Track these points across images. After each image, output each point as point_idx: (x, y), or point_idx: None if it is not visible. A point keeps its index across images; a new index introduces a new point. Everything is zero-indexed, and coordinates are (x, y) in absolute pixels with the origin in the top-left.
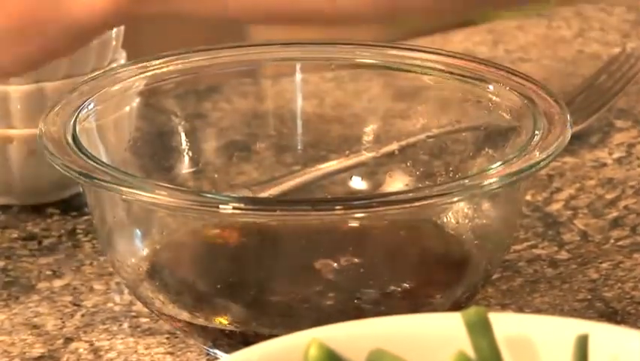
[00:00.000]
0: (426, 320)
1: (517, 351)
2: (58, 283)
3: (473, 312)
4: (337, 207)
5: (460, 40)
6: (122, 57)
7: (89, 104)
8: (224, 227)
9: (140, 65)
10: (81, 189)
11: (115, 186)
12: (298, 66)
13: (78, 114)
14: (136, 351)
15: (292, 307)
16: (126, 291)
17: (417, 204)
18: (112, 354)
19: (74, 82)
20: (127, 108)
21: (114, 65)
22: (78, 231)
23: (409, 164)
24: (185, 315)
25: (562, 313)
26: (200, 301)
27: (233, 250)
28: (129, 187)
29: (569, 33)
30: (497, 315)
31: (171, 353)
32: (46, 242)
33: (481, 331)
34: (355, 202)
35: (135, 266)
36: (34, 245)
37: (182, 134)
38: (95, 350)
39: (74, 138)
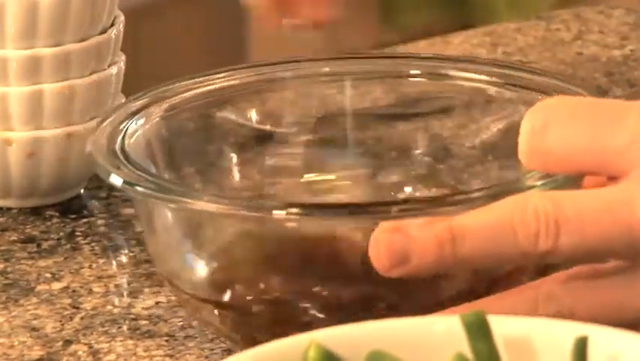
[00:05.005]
0: (425, 322)
1: (516, 353)
2: (57, 285)
3: (472, 314)
4: (394, 210)
5: (459, 42)
6: (121, 60)
7: (138, 119)
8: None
9: (192, 80)
10: (83, 191)
11: (173, 197)
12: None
13: (126, 130)
14: (135, 354)
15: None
16: (125, 293)
17: (465, 205)
18: (111, 356)
19: (73, 84)
20: (175, 123)
21: (113, 67)
22: (77, 233)
23: (441, 168)
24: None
25: None
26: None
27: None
28: (188, 197)
29: (568, 35)
30: (496, 317)
31: (170, 356)
32: (45, 245)
33: (480, 333)
34: (413, 206)
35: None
36: (33, 248)
37: (230, 150)
38: (94, 353)
39: (124, 152)
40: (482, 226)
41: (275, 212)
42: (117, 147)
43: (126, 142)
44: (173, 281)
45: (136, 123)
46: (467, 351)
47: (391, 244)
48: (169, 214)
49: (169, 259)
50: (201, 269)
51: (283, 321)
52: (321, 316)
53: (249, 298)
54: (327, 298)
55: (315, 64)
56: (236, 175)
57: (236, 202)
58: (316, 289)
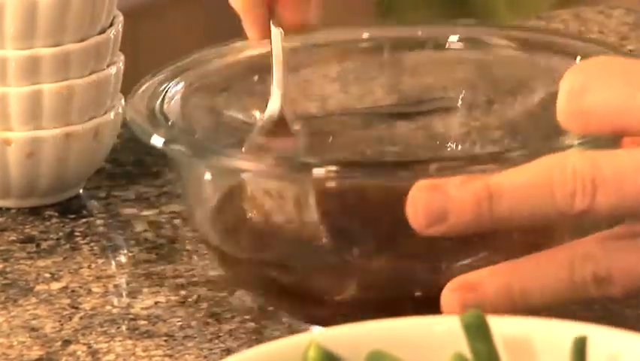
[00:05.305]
0: (425, 322)
1: (516, 353)
2: (56, 285)
3: (471, 315)
4: (433, 168)
5: None
6: (120, 60)
7: (177, 84)
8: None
9: (229, 47)
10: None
11: (213, 156)
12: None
13: (165, 94)
14: (134, 354)
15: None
16: (124, 293)
17: (503, 164)
18: (110, 356)
19: (72, 84)
20: (211, 88)
21: (112, 67)
22: (76, 233)
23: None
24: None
25: (559, 315)
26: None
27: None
28: (227, 157)
29: None
30: (495, 318)
31: (169, 356)
32: (44, 245)
33: (479, 333)
34: (452, 163)
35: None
36: (33, 248)
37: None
38: (93, 353)
39: (163, 115)
40: (520, 185)
41: (315, 170)
42: (157, 109)
43: (165, 106)
44: (222, 247)
45: (176, 86)
46: (467, 351)
47: (429, 203)
48: (218, 176)
49: (216, 223)
50: (254, 230)
51: (336, 286)
52: (362, 274)
53: (298, 257)
54: (368, 258)
55: (355, 30)
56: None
57: (276, 161)
58: (362, 246)
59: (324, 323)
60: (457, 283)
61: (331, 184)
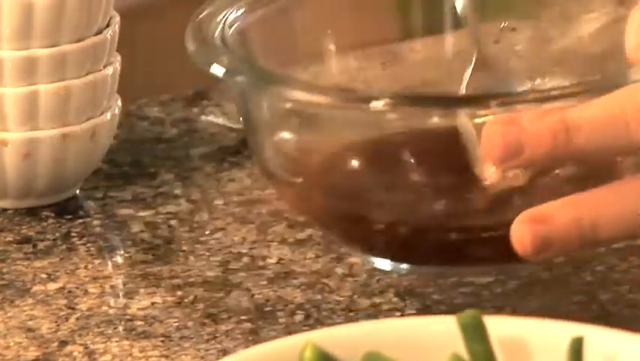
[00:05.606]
0: (422, 322)
1: (512, 354)
2: (52, 286)
3: (468, 315)
4: (506, 100)
5: (453, 42)
6: (117, 60)
7: (238, 9)
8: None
9: None
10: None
11: (270, 86)
12: None
13: (225, 20)
14: (130, 354)
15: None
16: (121, 294)
17: (572, 99)
18: (107, 357)
19: (69, 85)
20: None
21: (109, 68)
22: (73, 234)
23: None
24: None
25: (557, 315)
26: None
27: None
28: (286, 87)
29: None
30: (492, 318)
31: (166, 356)
32: (40, 245)
33: (476, 334)
34: (516, 98)
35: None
36: (29, 248)
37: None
38: (90, 353)
39: (224, 42)
40: (595, 118)
41: (372, 103)
42: (217, 37)
43: (226, 32)
44: (291, 181)
45: (236, 13)
46: (464, 351)
47: (504, 136)
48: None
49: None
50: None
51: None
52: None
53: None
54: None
55: None
56: (333, 67)
57: (334, 93)
58: (429, 181)
59: (392, 256)
60: (528, 215)
61: (395, 118)
